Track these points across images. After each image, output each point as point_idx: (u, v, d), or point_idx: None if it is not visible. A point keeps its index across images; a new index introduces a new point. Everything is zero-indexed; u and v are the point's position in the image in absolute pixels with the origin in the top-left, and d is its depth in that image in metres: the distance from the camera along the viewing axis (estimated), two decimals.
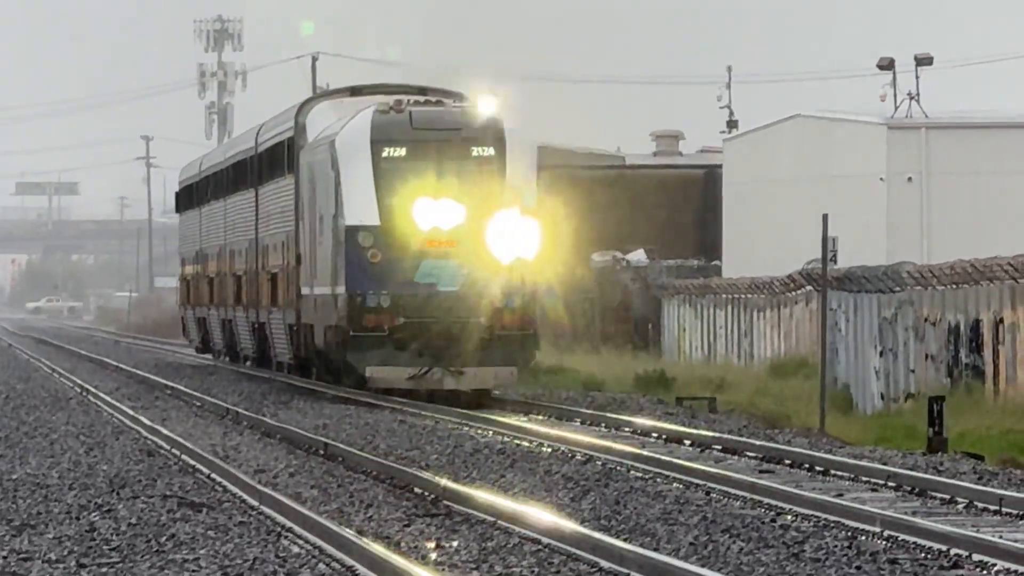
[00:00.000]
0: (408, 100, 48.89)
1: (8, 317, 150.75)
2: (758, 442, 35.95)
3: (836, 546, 21.22)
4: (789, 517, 24.20)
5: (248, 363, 64.37)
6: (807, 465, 32.01)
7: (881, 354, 45.86)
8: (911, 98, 66.16)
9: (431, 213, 47.37)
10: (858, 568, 20.39)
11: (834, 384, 42.87)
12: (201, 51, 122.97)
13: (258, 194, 60.94)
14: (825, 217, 40.34)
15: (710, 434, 36.91)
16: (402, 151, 47.48)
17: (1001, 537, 20.82)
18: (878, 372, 45.52)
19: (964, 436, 35.37)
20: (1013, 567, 19.60)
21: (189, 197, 77.89)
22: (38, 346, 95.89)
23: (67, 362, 77.93)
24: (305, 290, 51.96)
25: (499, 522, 22.92)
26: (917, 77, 69.67)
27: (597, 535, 20.44)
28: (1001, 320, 40.96)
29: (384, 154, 47.68)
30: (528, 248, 47.81)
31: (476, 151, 47.46)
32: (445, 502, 25.25)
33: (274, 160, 58.37)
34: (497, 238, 47.43)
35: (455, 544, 21.44)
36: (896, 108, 67.38)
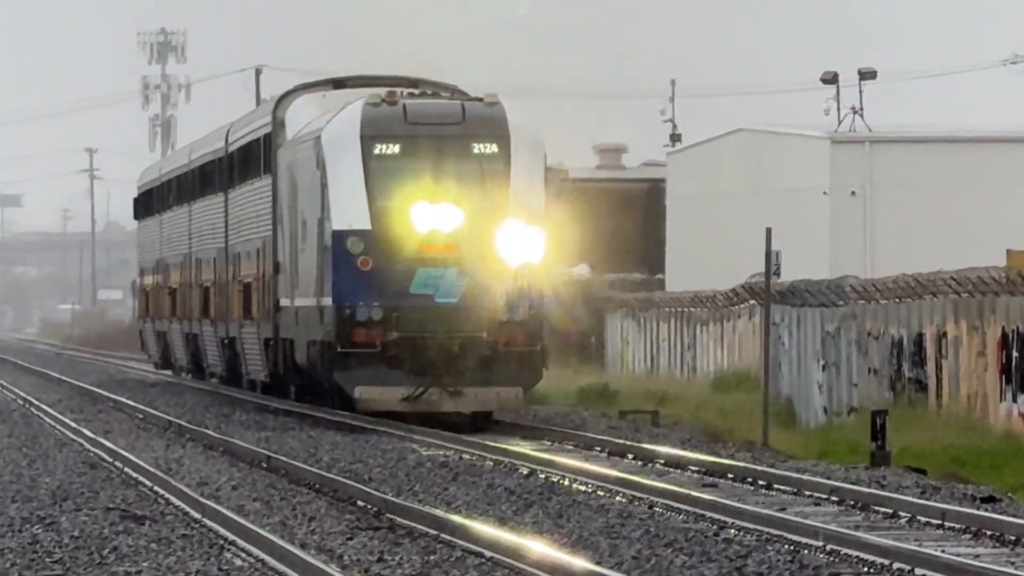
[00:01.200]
0: (401, 92, 45.73)
1: None
2: (701, 456, 36.08)
3: (779, 560, 21.22)
4: (732, 531, 24.25)
5: (215, 380, 62.50)
6: (750, 479, 31.97)
7: (824, 368, 45.89)
8: (855, 112, 67.29)
9: (428, 216, 44.37)
10: None
11: (777, 398, 43.22)
12: (144, 63, 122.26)
13: (228, 198, 58.16)
14: (768, 231, 40.35)
15: (653, 448, 37.05)
16: (396, 147, 44.43)
17: (944, 551, 21.23)
18: (821, 386, 45.61)
19: (907, 450, 35.68)
20: None
21: (149, 203, 75.87)
22: None
23: (9, 375, 76.80)
24: (285, 301, 49.26)
25: (442, 535, 22.95)
26: (861, 91, 70.95)
27: (539, 548, 20.55)
28: (944, 334, 41.46)
29: (376, 151, 44.63)
30: (535, 255, 45.21)
31: (478, 147, 44.60)
32: (388, 515, 25.26)
33: (248, 160, 55.33)
34: (501, 244, 44.70)
35: (398, 557, 21.34)
36: (840, 122, 68.49)
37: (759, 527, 24.17)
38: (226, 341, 57.46)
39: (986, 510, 26.58)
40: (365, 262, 44.58)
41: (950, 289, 40.30)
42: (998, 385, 40.92)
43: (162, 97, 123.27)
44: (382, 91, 45.71)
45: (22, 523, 25.40)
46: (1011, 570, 20.66)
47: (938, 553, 21.39)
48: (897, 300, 43.05)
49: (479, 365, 44.20)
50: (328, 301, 44.52)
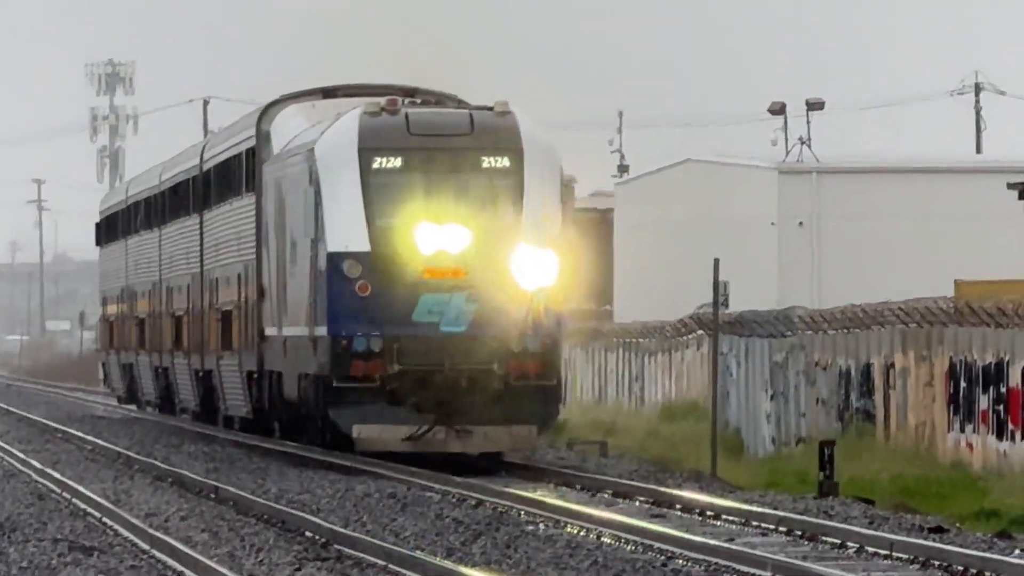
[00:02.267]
0: (402, 101, 42.84)
1: None
2: (649, 486, 36.06)
3: None
4: (680, 561, 24.51)
5: (185, 416, 60.90)
6: (698, 510, 32.31)
7: (772, 398, 46.08)
8: (802, 143, 68.48)
9: (433, 237, 41.08)
10: None
11: (725, 428, 43.63)
12: (93, 94, 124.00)
13: (204, 219, 55.39)
14: (716, 261, 39.75)
15: (601, 478, 37.04)
16: (398, 161, 41.22)
17: None
18: (769, 416, 45.81)
19: (855, 480, 36.16)
20: None
21: (113, 228, 73.69)
22: None
23: None
24: (271, 331, 46.46)
25: (390, 566, 22.98)
26: (808, 122, 72.21)
27: None
28: (892, 364, 42.13)
29: (375, 165, 41.39)
30: (550, 279, 42.16)
31: (488, 161, 41.36)
32: (336, 546, 25.31)
33: (227, 177, 52.51)
34: (514, 267, 41.67)
35: None
36: (787, 152, 69.44)
37: (707, 557, 24.41)
38: (201, 374, 55.90)
39: (934, 540, 26.98)
40: (364, 287, 41.86)
41: (898, 320, 40.41)
42: (946, 416, 41.53)
43: (110, 128, 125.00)
44: (380, 100, 43.02)
45: None
46: None
47: None
48: (845, 330, 43.60)
49: (489, 401, 41.64)
50: (322, 330, 42.02)
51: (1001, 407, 40.23)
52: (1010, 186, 50.83)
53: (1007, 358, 38.75)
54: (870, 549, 26.52)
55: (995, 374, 39.56)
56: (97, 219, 78.71)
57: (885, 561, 26.00)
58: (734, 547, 26.07)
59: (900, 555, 25.80)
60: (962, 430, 41.23)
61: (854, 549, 26.79)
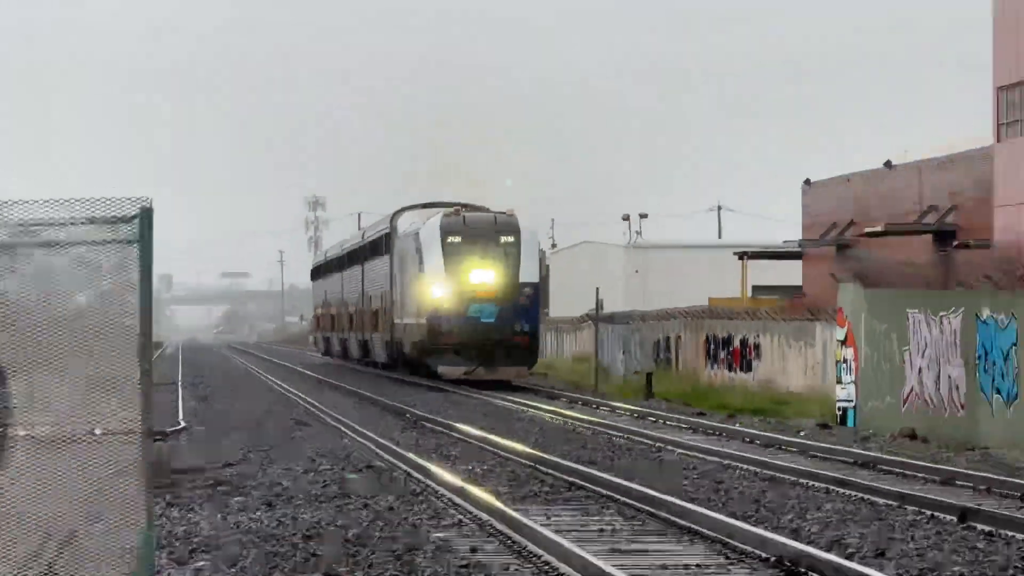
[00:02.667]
0: (462, 209, 48.80)
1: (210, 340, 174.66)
2: (567, 393, 42.30)
3: (601, 439, 27.18)
4: (580, 428, 30.22)
5: (353, 361, 67.90)
6: (592, 404, 36.90)
7: (623, 352, 54.25)
8: (638, 234, 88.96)
9: (477, 275, 46.52)
10: (613, 449, 25.01)
11: (601, 366, 50.21)
12: (307, 210, 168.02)
13: (364, 267, 63.09)
14: (597, 289, 47.23)
15: (546, 389, 43.35)
16: (459, 239, 46.64)
17: (681, 439, 26.97)
18: (622, 361, 55.17)
19: (662, 392, 41.77)
20: (685, 451, 24.14)
21: (318, 272, 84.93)
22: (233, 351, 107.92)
23: (240, 357, 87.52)
24: (397, 320, 51.34)
25: (445, 430, 28.45)
26: (640, 225, 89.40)
27: (487, 435, 28.28)
28: (679, 337, 48.90)
29: (448, 240, 46.88)
30: (532, 298, 46.68)
31: (503, 239, 46.92)
32: (422, 423, 30.82)
33: (376, 246, 59.29)
34: (515, 291, 46.37)
35: (426, 440, 26.29)
36: (632, 239, 77.94)
37: (593, 427, 30.17)
38: (361, 341, 62.73)
39: (699, 418, 32.21)
40: (445, 298, 46.82)
41: (681, 315, 50.08)
42: (704, 361, 46.19)
43: (315, 227, 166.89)
44: (450, 209, 48.81)
45: (245, 424, 30.05)
46: (715, 447, 24.37)
47: (681, 439, 26.56)
48: (656, 320, 51.71)
49: (503, 354, 46.43)
50: (424, 320, 46.94)
51: (731, 357, 44.05)
52: (735, 254, 57.40)
53: (733, 335, 44.17)
54: (671, 423, 31.57)
55: (727, 341, 44.18)
56: (311, 267, 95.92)
57: (682, 428, 30.44)
58: (605, 421, 31.76)
59: (683, 425, 30.99)
60: (712, 368, 45.93)
61: (662, 422, 31.82)
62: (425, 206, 54.36)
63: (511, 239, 46.95)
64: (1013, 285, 29.26)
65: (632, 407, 34.84)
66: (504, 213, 48.07)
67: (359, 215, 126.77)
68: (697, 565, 12.15)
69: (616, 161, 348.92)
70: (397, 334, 52.10)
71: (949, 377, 26.98)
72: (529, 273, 46.92)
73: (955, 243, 40.11)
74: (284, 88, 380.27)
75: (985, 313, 26.32)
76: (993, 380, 26.19)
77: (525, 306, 46.73)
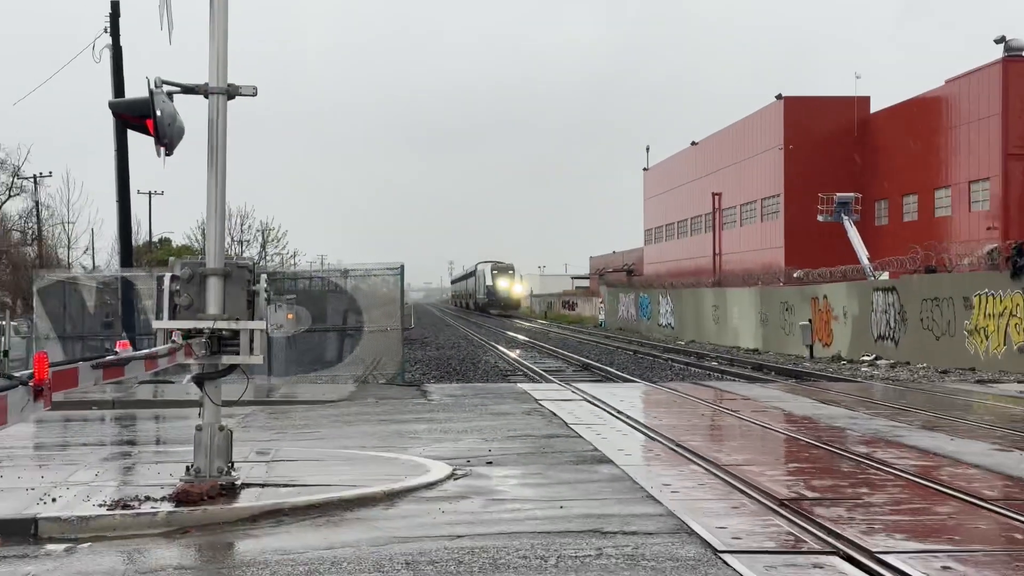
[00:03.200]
0: (495, 264, 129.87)
1: None
2: (538, 319, 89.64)
3: (551, 334, 77.75)
4: (541, 329, 77.43)
5: (466, 308, 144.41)
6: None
7: (569, 307, 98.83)
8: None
9: (500, 283, 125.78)
10: (550, 337, 72.31)
11: (542, 310, 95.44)
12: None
13: (466, 280, 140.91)
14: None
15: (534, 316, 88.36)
16: (496, 272, 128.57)
17: (577, 335, 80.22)
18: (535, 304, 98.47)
19: (612, 324, 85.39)
20: (579, 338, 74.39)
21: (456, 281, 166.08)
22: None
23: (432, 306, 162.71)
24: (476, 297, 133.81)
25: (491, 323, 78.74)
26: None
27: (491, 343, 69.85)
28: (573, 297, 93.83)
29: (493, 272, 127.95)
30: (517, 291, 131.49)
31: (509, 272, 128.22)
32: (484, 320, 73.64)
33: (468, 275, 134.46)
34: (512, 287, 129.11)
35: (483, 325, 72.38)
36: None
37: (546, 329, 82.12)
38: (465, 303, 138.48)
39: (580, 326, 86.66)
40: (490, 291, 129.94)
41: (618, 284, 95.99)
42: (562, 307, 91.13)
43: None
44: (494, 263, 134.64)
45: (431, 323, 59.50)
46: (582, 336, 79.14)
47: (581, 337, 79.90)
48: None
49: (509, 306, 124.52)
50: (485, 297, 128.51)
51: (571, 305, 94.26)
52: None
53: (573, 299, 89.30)
54: (582, 330, 79.24)
55: (573, 304, 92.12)
56: (452, 277, 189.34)
57: (582, 332, 75.49)
58: (552, 328, 77.77)
59: (582, 331, 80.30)
60: (564, 310, 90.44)
61: (582, 331, 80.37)
62: (484, 262, 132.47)
63: (511, 272, 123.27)
64: (638, 287, 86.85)
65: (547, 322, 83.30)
66: (510, 264, 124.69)
67: (451, 264, 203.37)
68: (558, 367, 58.99)
69: None
70: (476, 301, 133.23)
71: (629, 311, 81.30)
72: (517, 284, 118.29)
73: (632, 274, 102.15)
74: None
75: (634, 295, 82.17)
76: (639, 310, 78.23)
77: (516, 294, 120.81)
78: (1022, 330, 35.21)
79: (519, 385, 29.85)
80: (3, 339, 33.30)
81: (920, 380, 33.45)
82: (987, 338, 37.16)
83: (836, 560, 9.21)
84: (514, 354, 48.46)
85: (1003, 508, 11.53)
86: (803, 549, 9.62)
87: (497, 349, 50.72)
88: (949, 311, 39.12)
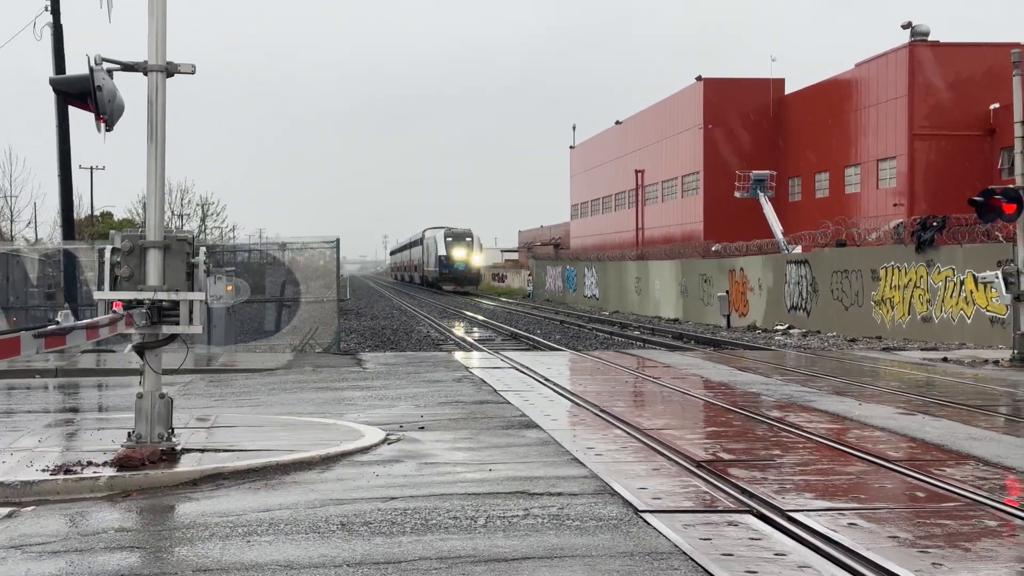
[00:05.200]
0: (449, 230, 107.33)
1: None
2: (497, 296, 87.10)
3: (498, 310, 78.82)
4: (520, 311, 79.66)
5: (408, 283, 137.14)
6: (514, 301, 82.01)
7: (529, 283, 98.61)
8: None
9: (457, 253, 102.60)
10: (497, 313, 74.82)
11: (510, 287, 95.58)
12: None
13: (411, 250, 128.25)
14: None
15: (486, 295, 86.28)
16: (452, 239, 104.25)
17: (524, 309, 79.34)
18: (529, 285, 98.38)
19: (540, 295, 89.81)
20: (526, 312, 77.17)
21: (396, 252, 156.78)
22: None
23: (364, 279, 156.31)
24: (425, 269, 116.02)
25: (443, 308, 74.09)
26: None
27: (473, 316, 71.11)
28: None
29: (447, 239, 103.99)
30: (476, 261, 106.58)
31: (466, 240, 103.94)
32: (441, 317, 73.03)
33: (413, 243, 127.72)
34: (471, 259, 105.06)
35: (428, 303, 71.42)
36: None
37: (522, 310, 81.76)
38: (410, 276, 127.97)
39: (525, 301, 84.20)
40: (444, 262, 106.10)
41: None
42: (563, 287, 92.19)
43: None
44: (447, 228, 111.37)
45: (367, 295, 65.36)
46: (515, 308, 77.02)
47: (524, 311, 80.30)
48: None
49: (467, 282, 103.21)
50: (437, 269, 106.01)
51: (502, 277, 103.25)
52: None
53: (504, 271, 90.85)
54: (541, 316, 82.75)
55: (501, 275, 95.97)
56: (391, 248, 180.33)
57: (523, 306, 78.75)
58: (522, 310, 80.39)
59: (523, 305, 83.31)
60: (497, 282, 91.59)
61: (527, 305, 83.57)
62: (431, 228, 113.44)
63: (470, 239, 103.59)
64: (564, 260, 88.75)
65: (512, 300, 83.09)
66: (467, 230, 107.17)
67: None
68: (488, 337, 60.03)
69: None
70: (421, 273, 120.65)
71: (556, 283, 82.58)
72: (476, 252, 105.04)
73: (559, 248, 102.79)
74: None
75: (561, 267, 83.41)
76: (565, 283, 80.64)
77: (474, 264, 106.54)
78: (925, 301, 35.91)
79: (451, 354, 29.85)
80: None
81: (830, 348, 33.63)
82: (893, 308, 37.61)
83: (750, 518, 9.32)
84: (446, 324, 48.98)
85: (906, 468, 11.70)
86: (719, 508, 9.76)
87: (430, 319, 51.43)
88: (858, 283, 39.54)
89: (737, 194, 61.09)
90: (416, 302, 73.79)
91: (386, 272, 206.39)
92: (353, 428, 14.59)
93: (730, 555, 7.99)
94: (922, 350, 31.47)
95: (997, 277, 24.92)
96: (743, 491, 10.48)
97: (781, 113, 69.99)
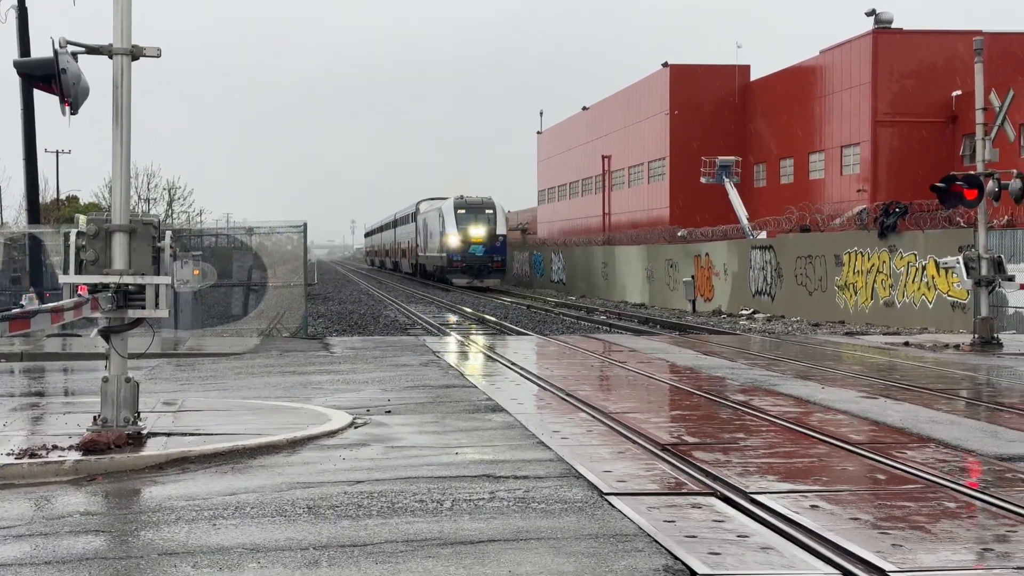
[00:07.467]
0: (463, 197, 76.54)
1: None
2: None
3: (499, 304, 76.00)
4: (505, 301, 76.44)
5: (392, 271, 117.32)
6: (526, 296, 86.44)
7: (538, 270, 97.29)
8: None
9: (474, 231, 73.29)
10: (499, 309, 72.24)
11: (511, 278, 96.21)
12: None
13: (403, 227, 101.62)
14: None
15: (503, 290, 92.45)
16: (464, 211, 74.54)
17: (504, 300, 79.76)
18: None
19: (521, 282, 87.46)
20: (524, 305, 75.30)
21: (373, 232, 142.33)
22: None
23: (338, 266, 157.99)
24: (421, 255, 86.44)
25: (450, 307, 72.41)
26: None
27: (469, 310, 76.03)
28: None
29: (458, 212, 74.65)
30: (503, 241, 75.48)
31: (487, 212, 74.53)
32: (446, 309, 77.94)
33: (406, 217, 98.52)
34: (495, 238, 73.56)
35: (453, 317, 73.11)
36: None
37: (506, 300, 77.50)
38: (397, 263, 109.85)
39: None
40: (456, 243, 74.83)
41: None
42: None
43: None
44: (457, 197, 78.20)
45: (336, 282, 57.74)
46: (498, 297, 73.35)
47: (513, 302, 75.95)
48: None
49: (488, 272, 73.95)
50: (444, 255, 76.17)
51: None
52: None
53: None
54: (508, 301, 77.94)
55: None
56: (366, 229, 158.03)
57: (522, 298, 73.09)
58: (509, 301, 75.47)
59: (511, 298, 76.53)
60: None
61: (534, 300, 77.56)
62: (436, 199, 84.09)
63: (491, 211, 74.17)
64: (531, 245, 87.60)
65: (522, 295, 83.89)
66: (488, 197, 75.45)
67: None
68: (455, 321, 60.13)
69: None
70: (419, 260, 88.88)
71: (523, 268, 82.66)
72: (502, 230, 73.85)
73: (526, 233, 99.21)
74: None
75: (528, 252, 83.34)
76: (532, 267, 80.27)
77: (498, 246, 73.80)
78: (888, 286, 36.13)
79: (418, 338, 30.51)
80: None
81: (794, 332, 33.91)
82: (856, 293, 37.94)
83: (714, 500, 9.34)
84: (413, 309, 48.88)
85: (868, 451, 11.76)
86: (683, 491, 9.78)
87: (397, 304, 50.99)
88: (821, 268, 39.79)
89: (703, 180, 61.34)
90: (383, 287, 72.71)
91: (357, 257, 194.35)
92: (320, 412, 14.54)
93: (694, 537, 7.99)
94: (884, 335, 31.72)
95: (958, 262, 25.04)
96: (707, 474, 10.53)
97: (747, 99, 70.46)
